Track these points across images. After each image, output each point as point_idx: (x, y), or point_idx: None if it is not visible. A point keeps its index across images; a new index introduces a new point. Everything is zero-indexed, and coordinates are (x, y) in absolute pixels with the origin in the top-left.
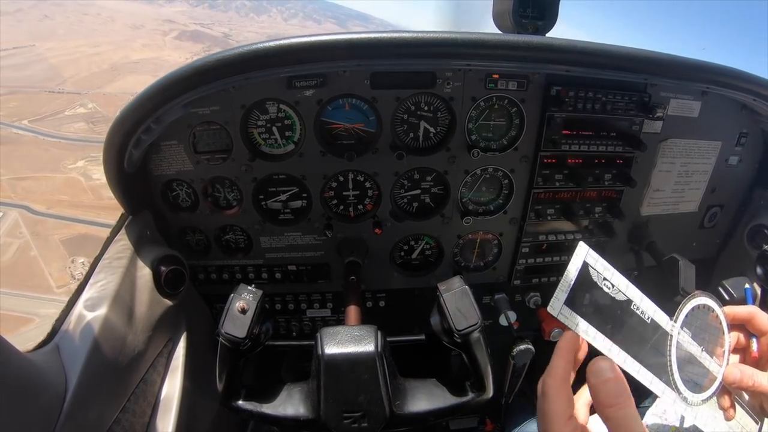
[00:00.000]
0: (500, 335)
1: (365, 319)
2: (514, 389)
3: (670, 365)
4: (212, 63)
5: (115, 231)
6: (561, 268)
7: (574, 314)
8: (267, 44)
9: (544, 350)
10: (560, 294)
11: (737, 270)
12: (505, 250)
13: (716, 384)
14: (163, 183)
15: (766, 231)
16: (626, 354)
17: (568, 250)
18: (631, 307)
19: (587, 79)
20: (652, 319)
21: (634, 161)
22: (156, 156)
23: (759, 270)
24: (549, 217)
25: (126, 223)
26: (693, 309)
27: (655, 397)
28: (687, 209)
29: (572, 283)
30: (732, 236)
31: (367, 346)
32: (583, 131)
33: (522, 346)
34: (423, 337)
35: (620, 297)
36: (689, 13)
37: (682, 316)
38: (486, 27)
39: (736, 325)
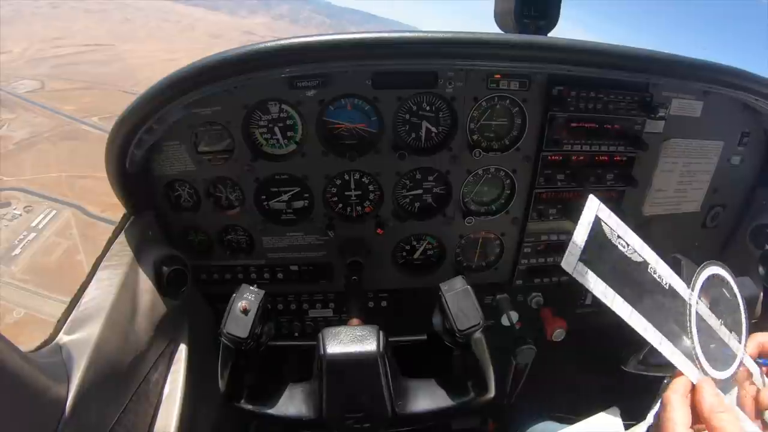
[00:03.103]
0: (502, 335)
1: (367, 319)
2: (516, 389)
3: (692, 337)
4: (214, 63)
5: (117, 231)
6: (563, 269)
7: (590, 272)
8: (268, 44)
9: (546, 350)
10: (574, 248)
11: (740, 270)
12: (507, 251)
13: (736, 362)
14: (165, 183)
15: None
16: (647, 322)
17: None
18: (648, 270)
19: (589, 78)
20: (669, 285)
21: (636, 161)
22: (158, 156)
23: (761, 270)
24: (551, 217)
25: (128, 224)
26: (708, 278)
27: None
28: (689, 209)
29: (585, 237)
30: (734, 236)
31: (369, 346)
32: (585, 131)
33: (524, 347)
34: (425, 337)
35: (636, 258)
36: (691, 14)
37: (698, 285)
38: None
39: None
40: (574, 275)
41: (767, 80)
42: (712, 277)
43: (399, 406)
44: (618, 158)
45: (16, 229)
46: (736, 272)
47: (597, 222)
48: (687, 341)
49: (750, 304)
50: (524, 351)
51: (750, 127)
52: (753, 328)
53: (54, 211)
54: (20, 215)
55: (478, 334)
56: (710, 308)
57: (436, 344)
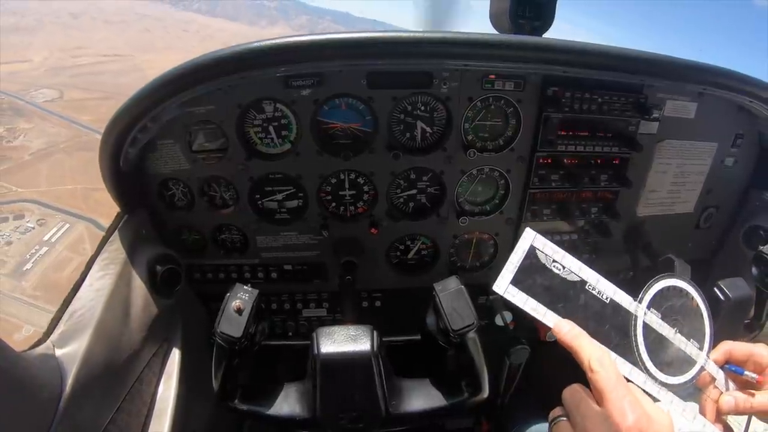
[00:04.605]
0: (496, 335)
1: (361, 319)
2: (509, 389)
3: (636, 345)
4: (208, 62)
5: (110, 230)
6: None
7: (521, 293)
8: (262, 43)
9: (540, 350)
10: (506, 273)
11: (733, 271)
12: (501, 251)
13: (696, 368)
14: (158, 182)
15: (761, 232)
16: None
17: (565, 251)
18: (586, 287)
19: (584, 79)
20: (611, 299)
21: (630, 162)
22: (152, 155)
23: (754, 271)
24: (545, 218)
25: (122, 222)
26: (661, 290)
27: None
28: (683, 210)
29: (518, 264)
30: (728, 237)
31: (363, 346)
32: (580, 132)
33: (518, 347)
34: (419, 337)
35: (572, 278)
36: (688, 16)
37: (647, 297)
38: (462, 26)
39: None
40: (505, 296)
41: (761, 82)
42: (668, 290)
43: (392, 405)
44: (612, 159)
45: (29, 242)
46: (729, 273)
47: (532, 250)
48: (633, 349)
49: (743, 305)
50: (518, 351)
51: (744, 129)
52: (747, 329)
53: (67, 225)
54: (33, 228)
55: (472, 334)
56: (663, 318)
57: (429, 344)
